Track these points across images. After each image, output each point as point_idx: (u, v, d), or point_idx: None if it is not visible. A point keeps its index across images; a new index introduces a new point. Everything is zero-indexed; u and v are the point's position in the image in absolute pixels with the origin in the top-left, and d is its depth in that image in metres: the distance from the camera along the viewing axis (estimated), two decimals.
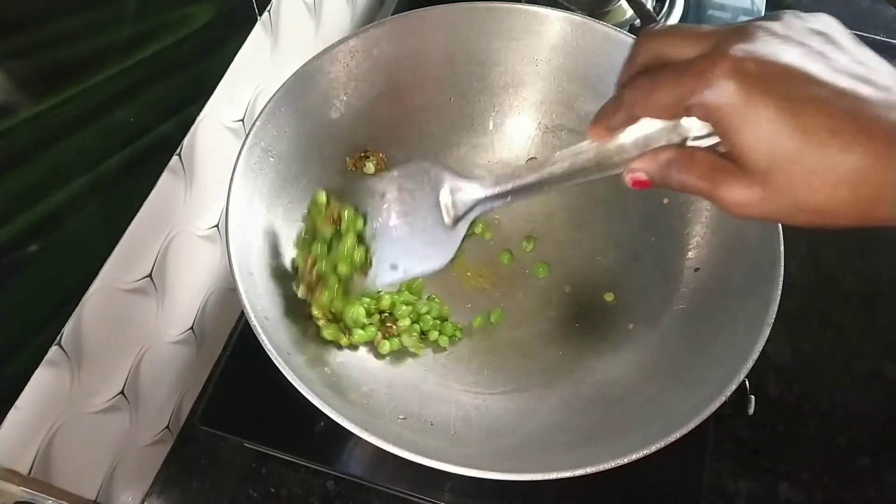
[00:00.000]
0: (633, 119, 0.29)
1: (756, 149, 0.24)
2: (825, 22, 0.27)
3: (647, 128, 0.30)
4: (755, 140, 0.24)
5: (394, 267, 0.44)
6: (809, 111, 0.23)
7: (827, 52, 0.25)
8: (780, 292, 0.42)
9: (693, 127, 0.29)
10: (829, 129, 0.23)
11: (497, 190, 0.37)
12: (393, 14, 0.58)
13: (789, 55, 0.24)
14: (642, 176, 0.30)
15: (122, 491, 0.53)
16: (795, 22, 0.26)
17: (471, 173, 0.60)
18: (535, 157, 0.56)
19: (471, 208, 0.39)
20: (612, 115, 0.29)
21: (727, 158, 0.26)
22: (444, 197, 0.41)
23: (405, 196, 0.43)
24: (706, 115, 0.25)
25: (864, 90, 0.23)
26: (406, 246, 0.43)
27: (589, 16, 0.54)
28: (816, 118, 0.23)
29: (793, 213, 0.25)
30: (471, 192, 0.39)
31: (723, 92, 0.24)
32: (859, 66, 0.25)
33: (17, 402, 0.39)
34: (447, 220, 0.41)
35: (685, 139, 0.29)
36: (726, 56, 0.24)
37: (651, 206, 0.55)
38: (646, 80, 0.27)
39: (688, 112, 0.26)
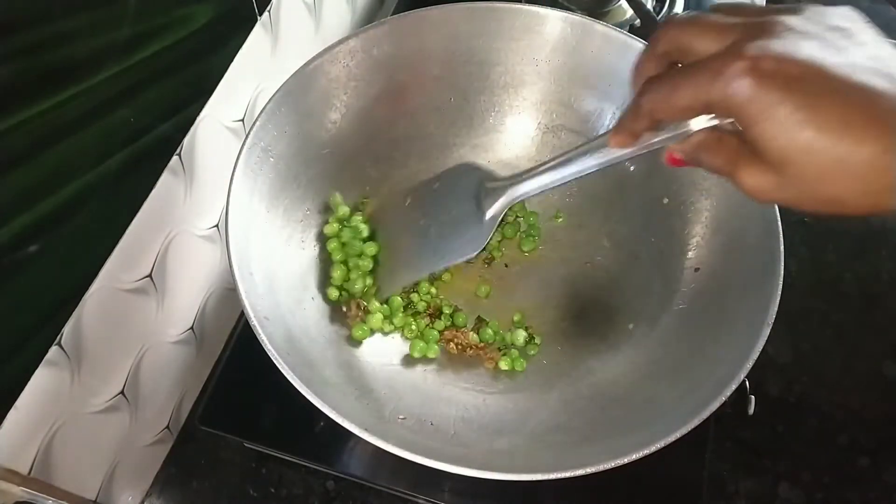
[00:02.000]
0: (655, 124, 0.30)
1: (773, 141, 0.25)
2: (846, 15, 0.27)
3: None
4: (772, 133, 0.25)
5: (431, 263, 0.47)
6: (824, 105, 0.24)
7: (844, 46, 0.25)
8: (780, 292, 0.42)
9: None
10: (842, 123, 0.23)
11: (528, 183, 0.41)
12: (393, 14, 0.58)
13: (806, 50, 0.25)
14: (677, 154, 0.31)
15: (122, 491, 0.53)
16: (815, 16, 0.26)
17: None
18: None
19: (503, 201, 0.43)
20: (634, 122, 0.30)
21: (749, 145, 0.26)
22: (478, 191, 0.44)
23: (442, 192, 0.47)
24: (727, 112, 0.26)
25: (880, 84, 0.24)
26: (441, 238, 0.46)
27: (589, 16, 0.54)
28: (831, 112, 0.24)
29: (807, 201, 0.26)
30: (503, 185, 0.43)
31: (741, 89, 0.25)
32: (876, 61, 0.25)
33: (17, 402, 0.39)
34: (480, 212, 0.44)
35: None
36: (743, 55, 0.25)
37: (651, 206, 0.55)
38: (664, 84, 0.28)
39: (708, 110, 0.27)
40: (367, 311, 0.50)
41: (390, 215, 0.52)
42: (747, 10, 0.28)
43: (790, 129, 0.24)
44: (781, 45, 0.25)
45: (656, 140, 0.31)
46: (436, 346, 0.51)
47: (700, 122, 0.30)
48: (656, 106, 0.28)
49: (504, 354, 0.52)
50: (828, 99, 0.24)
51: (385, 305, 0.51)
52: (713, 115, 0.28)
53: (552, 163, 0.38)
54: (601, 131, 0.56)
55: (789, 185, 0.26)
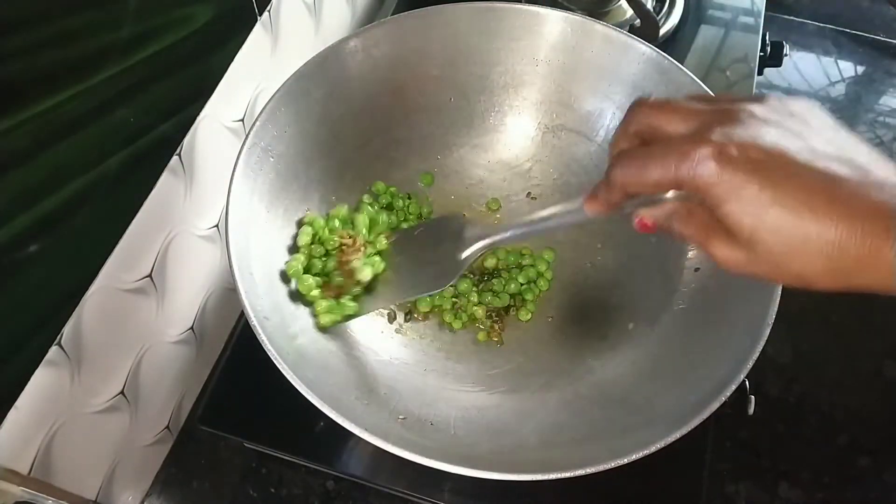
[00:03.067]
0: (627, 196, 0.31)
1: (740, 220, 0.26)
2: (805, 105, 0.29)
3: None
4: (739, 213, 0.26)
5: (400, 292, 0.49)
6: (789, 189, 0.25)
7: (804, 132, 0.27)
8: (780, 292, 0.42)
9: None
10: (806, 206, 0.25)
11: (504, 235, 0.44)
12: (393, 14, 0.58)
13: (769, 136, 0.26)
14: (648, 220, 0.32)
15: (122, 491, 0.53)
16: (777, 104, 0.28)
17: (471, 173, 0.60)
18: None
19: (479, 245, 0.46)
20: (608, 193, 0.32)
21: (720, 221, 0.28)
22: (457, 237, 0.47)
23: (422, 237, 0.51)
24: (695, 190, 0.27)
25: (839, 169, 0.25)
26: (415, 273, 0.49)
27: (589, 16, 0.54)
28: (795, 194, 0.25)
29: (776, 276, 0.27)
30: (481, 232, 0.46)
31: (706, 171, 0.26)
32: (835, 147, 0.26)
33: (17, 402, 0.39)
34: (456, 253, 0.47)
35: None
36: (709, 140, 0.26)
37: None
38: (635, 160, 0.29)
39: (677, 187, 0.28)
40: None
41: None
42: (716, 98, 0.31)
43: (756, 210, 0.26)
44: (745, 132, 0.26)
45: (629, 206, 0.33)
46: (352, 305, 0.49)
47: (671, 192, 0.31)
48: (627, 180, 0.30)
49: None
50: (791, 182, 0.25)
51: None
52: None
53: (531, 219, 0.40)
54: (601, 133, 0.57)
55: (759, 261, 0.27)
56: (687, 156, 0.26)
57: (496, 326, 0.54)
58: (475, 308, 0.54)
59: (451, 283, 0.47)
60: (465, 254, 0.47)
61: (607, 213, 0.33)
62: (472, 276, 0.56)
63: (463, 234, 0.47)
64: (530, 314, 0.54)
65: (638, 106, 0.31)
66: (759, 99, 0.29)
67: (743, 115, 0.27)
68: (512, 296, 0.55)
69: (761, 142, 0.26)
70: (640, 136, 0.31)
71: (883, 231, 0.24)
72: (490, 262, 0.56)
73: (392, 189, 0.57)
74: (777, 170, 0.25)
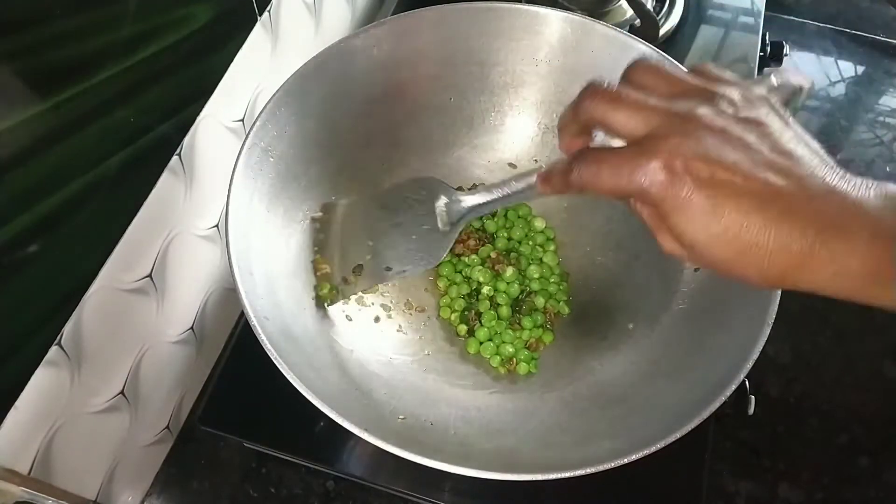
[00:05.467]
0: (582, 191, 0.32)
1: (683, 231, 0.28)
2: (759, 104, 0.30)
3: None
4: (683, 224, 0.28)
5: (388, 269, 0.49)
6: (728, 203, 0.27)
7: (752, 141, 0.28)
8: (780, 292, 0.42)
9: None
10: (742, 220, 0.27)
11: (487, 198, 0.43)
12: (393, 14, 0.58)
13: (715, 150, 0.28)
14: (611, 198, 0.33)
15: (122, 491, 0.53)
16: (728, 105, 0.29)
17: (471, 173, 0.60)
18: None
19: (463, 215, 0.46)
20: (563, 184, 0.33)
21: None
22: (440, 206, 0.47)
23: (404, 206, 0.49)
24: (643, 201, 0.29)
25: (777, 182, 0.27)
26: (402, 249, 0.49)
27: (589, 16, 0.54)
28: (733, 210, 0.27)
29: (718, 272, 0.29)
30: (463, 201, 0.46)
31: (655, 188, 0.28)
32: (780, 157, 0.28)
33: (17, 402, 0.39)
34: (441, 225, 0.47)
35: None
36: (658, 153, 0.28)
37: None
38: (590, 166, 0.30)
39: (629, 196, 0.30)
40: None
41: (358, 219, 0.53)
42: (669, 77, 0.31)
43: (697, 223, 0.28)
44: (693, 146, 0.28)
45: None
46: None
47: None
48: (584, 182, 0.31)
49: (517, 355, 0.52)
50: (732, 199, 0.27)
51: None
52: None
53: (503, 183, 0.41)
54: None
55: (700, 260, 0.29)
56: (637, 169, 0.28)
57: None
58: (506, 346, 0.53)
59: (437, 263, 0.48)
60: (449, 228, 0.47)
61: (554, 194, 0.35)
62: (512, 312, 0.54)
63: (446, 205, 0.47)
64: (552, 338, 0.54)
65: (591, 95, 0.31)
66: (712, 96, 0.29)
67: (692, 126, 0.28)
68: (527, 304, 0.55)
69: (707, 156, 0.27)
70: (589, 124, 0.32)
71: (810, 243, 0.26)
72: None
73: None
74: (719, 187, 0.27)
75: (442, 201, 0.47)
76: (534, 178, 0.37)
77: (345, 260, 0.51)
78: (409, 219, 0.49)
